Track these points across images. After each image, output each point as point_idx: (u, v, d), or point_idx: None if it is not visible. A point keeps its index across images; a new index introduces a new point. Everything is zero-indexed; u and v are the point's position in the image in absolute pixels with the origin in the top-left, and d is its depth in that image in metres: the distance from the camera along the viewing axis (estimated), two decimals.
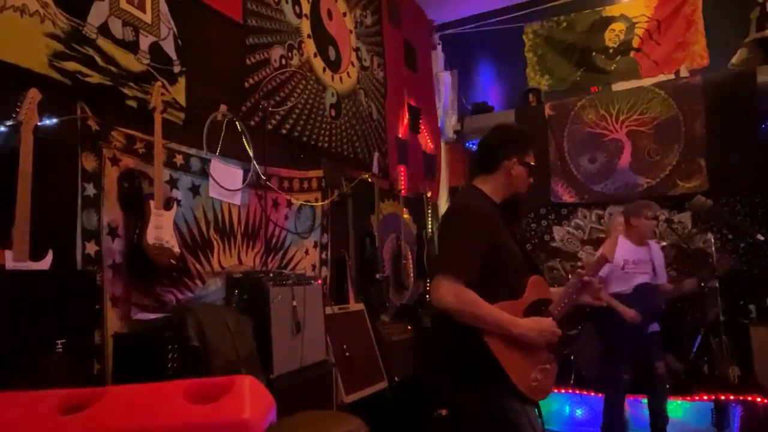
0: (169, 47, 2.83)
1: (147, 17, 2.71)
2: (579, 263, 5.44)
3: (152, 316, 2.44)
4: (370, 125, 4.87)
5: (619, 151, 5.52)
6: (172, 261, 2.54)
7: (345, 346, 3.52)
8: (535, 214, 5.84)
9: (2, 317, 1.78)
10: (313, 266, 3.93)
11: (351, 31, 4.72)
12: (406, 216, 5.34)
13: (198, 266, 2.90)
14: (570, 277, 3.78)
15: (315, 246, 3.95)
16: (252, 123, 3.36)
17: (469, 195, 2.02)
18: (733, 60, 5.26)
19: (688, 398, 4.01)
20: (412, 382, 4.02)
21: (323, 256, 4.06)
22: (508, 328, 1.75)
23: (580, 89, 6.05)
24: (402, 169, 5.35)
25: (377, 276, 4.46)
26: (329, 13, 4.38)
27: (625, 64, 5.95)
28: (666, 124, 5.32)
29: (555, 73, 6.31)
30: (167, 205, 2.54)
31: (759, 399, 3.91)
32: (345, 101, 4.48)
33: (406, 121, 5.63)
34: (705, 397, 3.97)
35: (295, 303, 2.84)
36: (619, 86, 5.82)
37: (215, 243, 3.05)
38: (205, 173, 3.00)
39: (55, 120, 2.21)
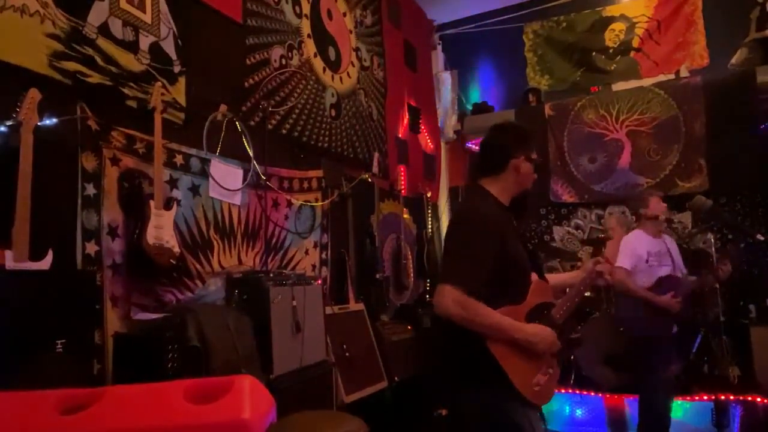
0: (169, 47, 2.83)
1: (147, 17, 2.71)
2: (578, 263, 5.44)
3: (152, 316, 2.44)
4: (370, 125, 4.87)
5: (619, 151, 5.52)
6: (172, 261, 2.54)
7: (345, 346, 3.52)
8: (535, 214, 5.84)
9: (2, 317, 1.78)
10: (313, 266, 3.92)
11: (351, 31, 4.72)
12: (406, 216, 5.34)
13: (198, 266, 2.90)
14: None
15: (315, 246, 3.95)
16: (252, 123, 3.37)
17: (478, 198, 1.99)
18: (733, 60, 5.25)
19: (688, 398, 4.00)
20: (412, 382, 4.02)
21: (323, 256, 4.06)
22: (511, 334, 1.75)
23: (580, 89, 6.04)
24: (402, 169, 5.36)
25: (377, 276, 4.46)
26: (329, 13, 4.37)
27: (625, 64, 5.95)
28: (666, 124, 5.32)
29: (555, 73, 6.31)
30: (167, 205, 2.54)
31: (759, 399, 3.90)
32: (345, 101, 4.48)
33: (406, 121, 5.63)
34: (705, 397, 3.96)
35: (295, 303, 2.84)
36: (619, 86, 5.82)
37: (215, 243, 3.04)
38: (205, 173, 3.00)
39: (55, 120, 2.21)
